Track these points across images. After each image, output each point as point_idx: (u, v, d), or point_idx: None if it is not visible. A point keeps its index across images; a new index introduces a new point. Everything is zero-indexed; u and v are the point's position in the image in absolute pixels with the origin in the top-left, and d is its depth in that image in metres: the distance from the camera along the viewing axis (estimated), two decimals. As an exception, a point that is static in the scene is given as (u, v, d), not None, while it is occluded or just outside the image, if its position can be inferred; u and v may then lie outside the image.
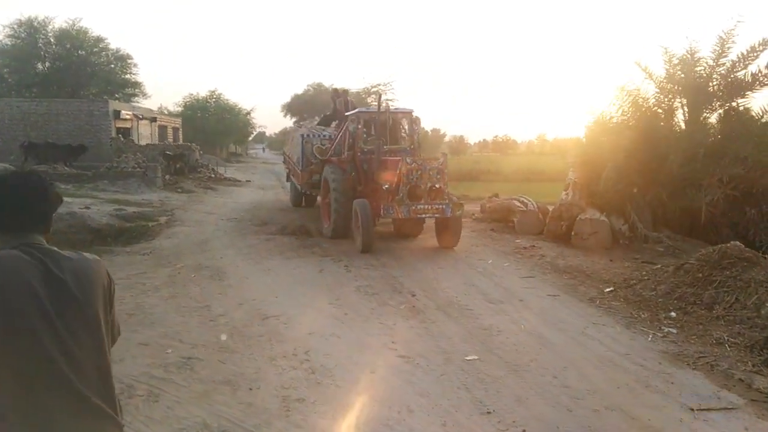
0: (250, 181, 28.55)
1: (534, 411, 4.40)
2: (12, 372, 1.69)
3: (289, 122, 67.24)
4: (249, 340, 5.89)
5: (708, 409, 4.46)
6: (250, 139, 77.47)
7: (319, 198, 14.71)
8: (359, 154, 11.76)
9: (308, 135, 14.15)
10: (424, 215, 10.44)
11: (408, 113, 12.34)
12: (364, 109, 12.76)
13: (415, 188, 10.23)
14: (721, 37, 11.64)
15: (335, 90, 16.50)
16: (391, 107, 12.16)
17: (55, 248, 1.88)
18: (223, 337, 5.03)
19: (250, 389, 4.74)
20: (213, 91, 56.11)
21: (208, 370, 5.13)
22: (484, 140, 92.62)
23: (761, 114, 11.75)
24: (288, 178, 18.29)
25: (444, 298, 7.54)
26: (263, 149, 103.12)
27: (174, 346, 5.71)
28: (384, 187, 10.63)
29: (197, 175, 26.26)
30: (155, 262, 9.70)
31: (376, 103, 12.04)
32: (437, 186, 10.40)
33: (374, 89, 40.75)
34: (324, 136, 14.15)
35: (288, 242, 11.42)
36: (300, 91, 61.64)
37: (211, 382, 4.86)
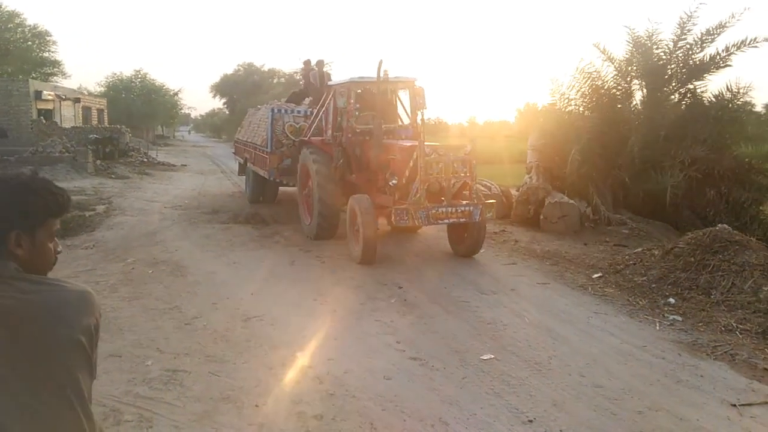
0: (186, 165, 27.22)
1: (577, 417, 4.06)
2: None
3: (218, 103, 65.07)
4: (237, 347, 5.28)
5: (749, 404, 4.26)
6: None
7: (285, 189, 13.25)
8: (350, 135, 9.59)
9: (279, 110, 12.29)
10: (447, 220, 8.14)
11: (410, 83, 9.90)
12: (356, 79, 9.89)
13: (434, 185, 8.09)
14: (681, 18, 11.68)
15: (307, 62, 14.28)
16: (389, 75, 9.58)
17: (22, 275, 1.41)
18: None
19: (257, 406, 4.17)
20: (138, 71, 53.20)
21: (201, 384, 4.51)
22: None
23: (719, 96, 11.88)
24: (242, 171, 15.84)
25: (434, 289, 7.13)
26: (189, 131, 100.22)
27: (153, 356, 5.03)
28: (391, 182, 8.61)
29: (129, 160, 24.87)
30: (102, 256, 8.82)
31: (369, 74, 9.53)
32: (461, 183, 8.35)
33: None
34: (298, 112, 12.34)
35: (246, 231, 10.72)
36: (230, 71, 59.82)
37: (208, 400, 4.25)
